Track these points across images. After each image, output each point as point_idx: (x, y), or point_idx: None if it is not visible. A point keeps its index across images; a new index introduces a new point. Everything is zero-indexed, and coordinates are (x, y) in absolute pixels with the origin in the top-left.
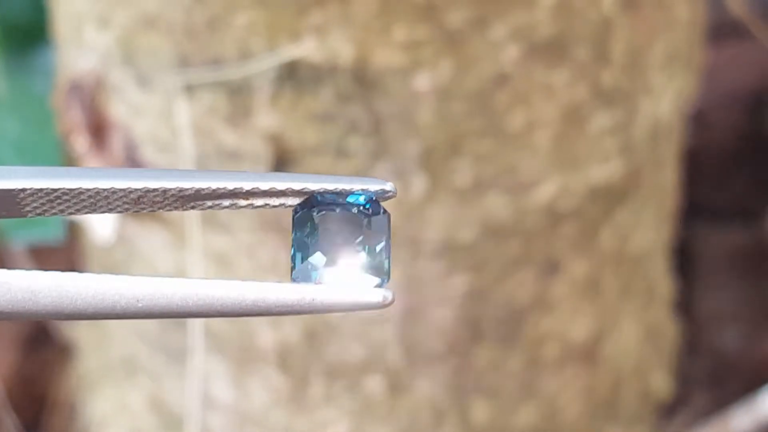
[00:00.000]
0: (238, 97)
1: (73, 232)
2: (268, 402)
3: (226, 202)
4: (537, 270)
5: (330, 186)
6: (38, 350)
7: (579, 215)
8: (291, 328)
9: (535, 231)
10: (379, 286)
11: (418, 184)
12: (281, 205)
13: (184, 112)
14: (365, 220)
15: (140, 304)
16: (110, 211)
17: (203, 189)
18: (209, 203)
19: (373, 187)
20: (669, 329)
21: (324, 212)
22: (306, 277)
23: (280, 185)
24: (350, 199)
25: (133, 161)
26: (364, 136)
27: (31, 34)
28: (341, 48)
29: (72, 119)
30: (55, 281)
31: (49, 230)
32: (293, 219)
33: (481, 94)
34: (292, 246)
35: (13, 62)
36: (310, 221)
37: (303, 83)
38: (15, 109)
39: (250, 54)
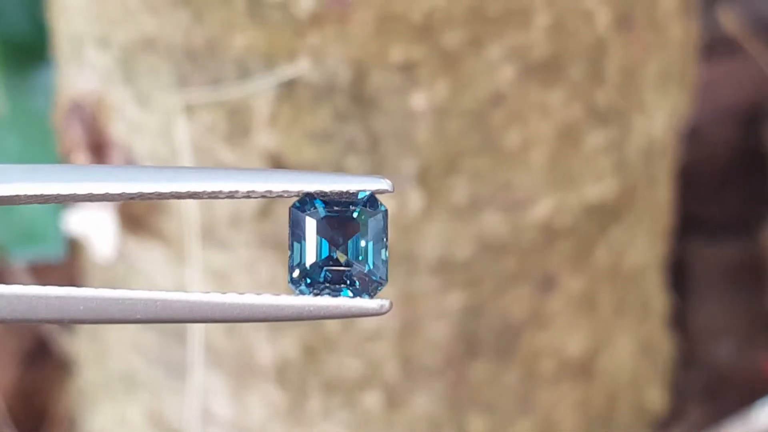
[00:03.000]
0: (236, 116)
1: (74, 249)
2: (266, 416)
3: (223, 196)
4: (533, 286)
5: (327, 188)
6: (38, 365)
7: (574, 232)
8: (289, 344)
9: (531, 248)
10: (377, 288)
11: (415, 201)
12: (280, 195)
13: (183, 131)
14: (362, 221)
15: (139, 316)
16: (105, 201)
17: (199, 192)
18: (206, 197)
19: (371, 186)
20: (664, 344)
21: (321, 211)
22: (303, 278)
23: (276, 187)
24: (348, 196)
25: None
26: (361, 154)
27: (31, 53)
28: (339, 68)
29: (72, 138)
30: (54, 293)
31: (49, 247)
32: (290, 215)
33: (477, 113)
34: (290, 245)
35: (14, 80)
36: (307, 220)
37: (301, 102)
38: (15, 127)
39: (248, 74)
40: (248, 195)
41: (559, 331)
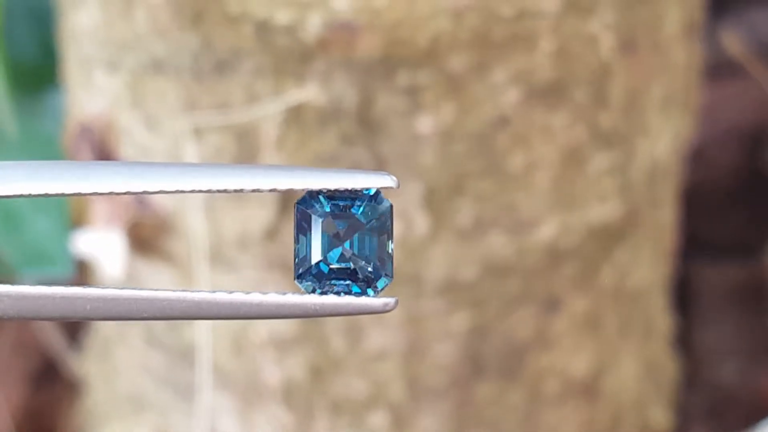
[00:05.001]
0: (244, 139)
1: (82, 270)
2: None
3: (230, 192)
4: (537, 307)
5: (332, 185)
6: (46, 385)
7: (578, 254)
8: (296, 364)
9: (536, 269)
10: (383, 283)
11: (421, 223)
12: (288, 190)
13: (191, 154)
14: (367, 217)
15: (146, 314)
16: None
17: (203, 191)
18: (213, 192)
19: (376, 182)
20: (668, 364)
21: (326, 207)
22: (308, 274)
23: (282, 186)
24: (353, 192)
25: (141, 202)
26: None
27: (41, 77)
28: (345, 91)
29: (82, 161)
30: (61, 293)
31: (58, 268)
32: (295, 212)
33: (482, 136)
34: (295, 241)
35: (24, 104)
36: (312, 217)
37: (308, 126)
38: (25, 150)
39: (256, 98)
40: (255, 191)
41: (564, 352)
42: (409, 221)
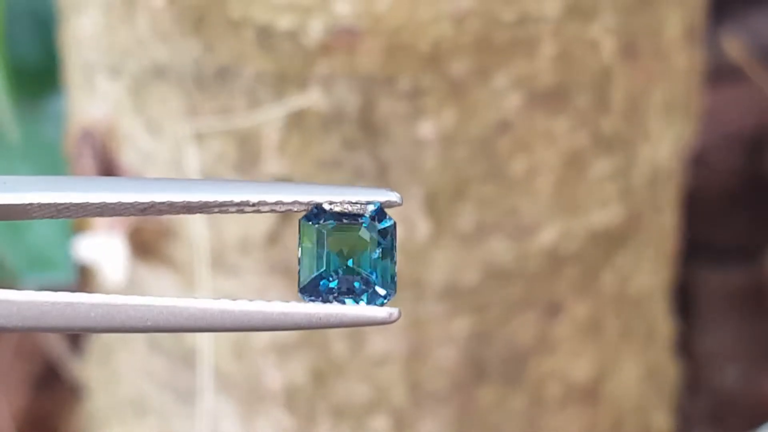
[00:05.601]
0: (246, 144)
1: (84, 275)
2: None
3: (233, 209)
4: (539, 312)
5: (336, 199)
6: (48, 390)
7: (580, 258)
8: (298, 369)
9: (537, 274)
10: (385, 299)
11: (423, 228)
12: (288, 210)
13: (193, 159)
14: (371, 233)
15: (149, 323)
16: (117, 215)
17: (210, 202)
18: (216, 210)
19: (380, 197)
20: (669, 368)
21: (330, 224)
22: (312, 289)
23: (287, 198)
24: (357, 209)
25: None
26: (369, 181)
27: (42, 82)
28: (347, 96)
29: (83, 166)
30: (64, 299)
31: (60, 273)
32: (299, 228)
33: (483, 141)
34: (299, 257)
35: (25, 109)
36: (316, 233)
37: (310, 131)
38: (27, 156)
39: (258, 103)
40: (258, 208)
41: (566, 356)
42: (411, 226)
